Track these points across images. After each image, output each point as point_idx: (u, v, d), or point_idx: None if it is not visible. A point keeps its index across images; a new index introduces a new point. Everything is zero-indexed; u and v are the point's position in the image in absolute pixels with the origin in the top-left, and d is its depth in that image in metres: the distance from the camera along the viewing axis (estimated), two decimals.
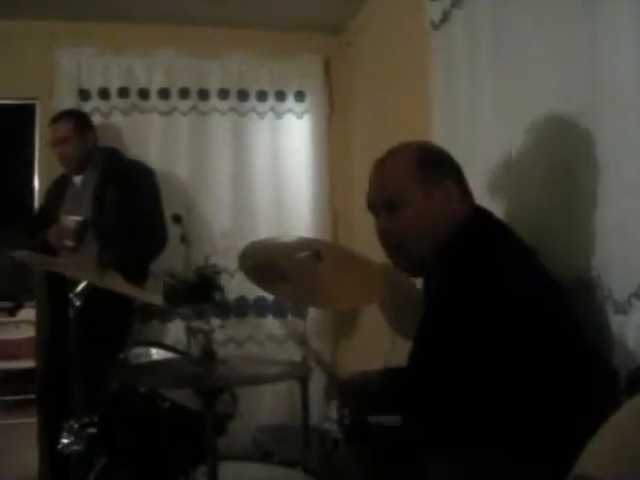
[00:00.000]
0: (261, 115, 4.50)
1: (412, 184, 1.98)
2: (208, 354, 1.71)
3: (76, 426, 2.31)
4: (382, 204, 2.03)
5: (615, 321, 1.92)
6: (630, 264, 1.87)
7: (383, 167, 2.06)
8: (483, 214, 2.02)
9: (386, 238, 2.04)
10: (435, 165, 2.02)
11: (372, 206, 2.08)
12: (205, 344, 1.71)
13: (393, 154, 2.07)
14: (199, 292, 1.69)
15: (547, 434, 1.67)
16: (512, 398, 1.70)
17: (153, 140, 4.35)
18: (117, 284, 2.40)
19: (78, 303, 2.41)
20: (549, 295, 1.85)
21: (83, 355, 2.45)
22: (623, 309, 1.89)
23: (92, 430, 2.32)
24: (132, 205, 3.76)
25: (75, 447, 2.30)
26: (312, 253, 2.99)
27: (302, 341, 2.75)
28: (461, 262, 1.87)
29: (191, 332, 1.71)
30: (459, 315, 1.77)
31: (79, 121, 3.92)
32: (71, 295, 2.42)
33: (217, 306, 1.73)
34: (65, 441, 2.30)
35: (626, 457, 1.28)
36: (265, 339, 4.38)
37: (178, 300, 1.77)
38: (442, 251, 1.94)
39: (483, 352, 1.71)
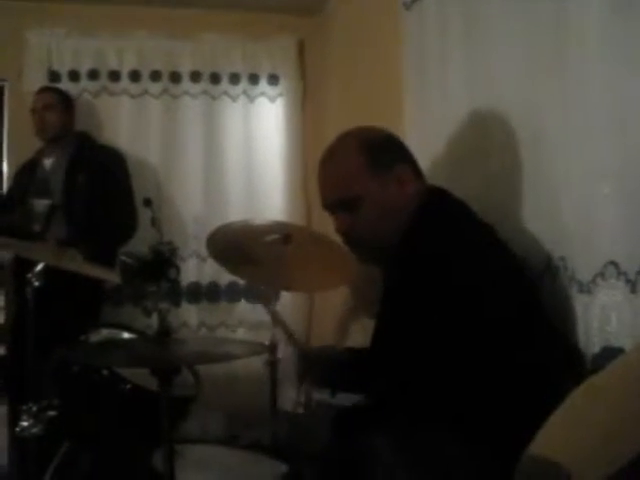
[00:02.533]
0: (234, 98, 4.45)
1: (362, 178, 1.91)
2: (163, 333, 1.68)
3: (35, 409, 2.27)
4: (336, 204, 1.97)
5: (580, 302, 1.91)
6: (595, 244, 1.86)
7: (329, 166, 1.99)
8: (439, 194, 1.98)
9: (347, 236, 2.00)
10: (381, 151, 1.95)
11: (327, 207, 2.01)
12: (160, 323, 1.67)
13: (335, 151, 2.00)
14: (153, 269, 1.65)
15: (506, 416, 1.65)
16: (471, 380, 1.67)
17: (123, 123, 4.30)
18: (76, 265, 2.36)
19: (37, 284, 2.37)
20: (509, 274, 1.83)
21: (43, 337, 2.41)
22: (588, 289, 1.87)
23: (52, 413, 2.28)
24: (102, 190, 3.76)
25: (34, 430, 2.26)
26: (281, 236, 2.96)
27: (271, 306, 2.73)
28: (418, 245, 1.84)
29: (146, 312, 1.67)
30: (417, 297, 1.75)
31: (66, 96, 3.99)
32: (29, 275, 2.38)
33: (171, 285, 1.68)
34: (24, 424, 2.26)
35: (578, 436, 1.27)
36: (237, 324, 4.37)
37: (134, 278, 1.73)
38: (401, 237, 1.90)
39: (441, 334, 1.69)
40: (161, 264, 1.67)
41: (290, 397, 3.41)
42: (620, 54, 1.73)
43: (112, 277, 2.18)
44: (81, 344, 2.46)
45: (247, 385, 4.13)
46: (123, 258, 1.75)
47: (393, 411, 1.72)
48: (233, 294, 4.36)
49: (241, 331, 4.36)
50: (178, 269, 1.72)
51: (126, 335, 2.84)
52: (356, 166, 1.92)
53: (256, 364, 3.84)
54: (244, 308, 4.38)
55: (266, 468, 2.20)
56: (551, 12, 2.00)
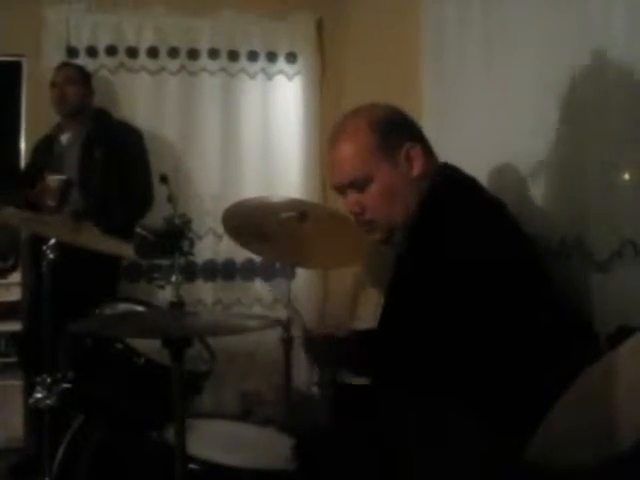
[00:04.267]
0: (251, 76, 4.42)
1: (372, 157, 1.91)
2: (176, 305, 1.68)
3: (49, 380, 2.28)
4: (347, 185, 1.96)
5: (596, 281, 1.90)
6: (613, 224, 1.85)
7: (338, 147, 1.97)
8: (450, 171, 1.96)
9: (358, 216, 1.99)
10: (390, 130, 1.93)
11: (337, 187, 2.01)
12: (173, 296, 1.68)
13: (344, 131, 1.97)
14: (167, 242, 1.64)
15: (517, 395, 1.64)
16: (480, 361, 1.67)
17: (141, 100, 4.28)
18: (92, 238, 2.36)
19: (52, 256, 2.37)
20: (518, 252, 1.82)
21: (58, 311, 2.42)
22: (605, 269, 1.86)
23: (65, 385, 2.30)
24: (119, 165, 3.76)
25: (48, 402, 2.27)
26: (297, 214, 2.96)
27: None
28: (429, 225, 1.84)
29: (158, 285, 1.68)
30: (427, 277, 1.75)
31: (86, 73, 3.98)
32: (44, 248, 2.39)
33: (185, 258, 1.69)
34: (38, 396, 2.28)
35: (592, 414, 1.26)
36: (253, 302, 4.38)
37: (149, 251, 1.73)
38: (413, 218, 1.90)
39: (449, 314, 1.69)
40: (175, 236, 1.67)
41: (304, 375, 3.43)
42: None
43: (127, 251, 2.18)
44: (94, 316, 2.47)
45: (262, 362, 4.14)
46: (139, 230, 1.75)
47: (401, 389, 1.72)
48: (249, 272, 4.36)
49: (257, 309, 4.36)
50: (192, 242, 1.72)
51: (141, 309, 2.84)
52: (365, 146, 1.91)
53: (271, 341, 3.87)
54: (260, 286, 4.38)
55: (279, 444, 2.21)
56: None
